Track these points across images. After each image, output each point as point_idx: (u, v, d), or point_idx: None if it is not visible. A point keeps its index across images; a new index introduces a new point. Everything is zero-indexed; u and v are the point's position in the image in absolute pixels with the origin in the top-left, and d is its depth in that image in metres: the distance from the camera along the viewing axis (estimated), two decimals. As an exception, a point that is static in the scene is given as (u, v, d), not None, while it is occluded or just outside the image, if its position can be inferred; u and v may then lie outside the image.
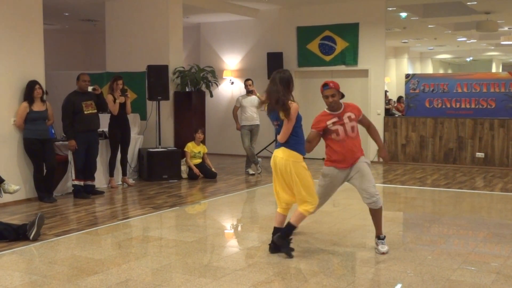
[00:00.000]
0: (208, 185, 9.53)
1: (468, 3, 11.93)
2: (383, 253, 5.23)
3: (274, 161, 5.12)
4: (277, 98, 4.98)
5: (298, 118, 5.08)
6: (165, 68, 10.12)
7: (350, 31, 12.31)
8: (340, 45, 12.45)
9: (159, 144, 10.09)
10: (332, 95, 5.30)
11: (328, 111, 5.40)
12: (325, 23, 12.55)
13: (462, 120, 11.59)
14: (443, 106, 11.86)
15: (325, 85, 5.33)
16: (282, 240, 5.11)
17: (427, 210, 7.82)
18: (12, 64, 7.75)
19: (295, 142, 5.07)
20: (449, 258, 5.13)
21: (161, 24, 10.64)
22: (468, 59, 22.33)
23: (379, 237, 5.39)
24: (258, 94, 10.51)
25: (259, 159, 10.83)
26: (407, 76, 12.55)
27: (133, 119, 9.83)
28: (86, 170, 8.33)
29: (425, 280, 4.52)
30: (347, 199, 8.30)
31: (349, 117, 5.37)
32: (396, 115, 13.11)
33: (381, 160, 12.14)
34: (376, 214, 5.37)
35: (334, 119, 5.33)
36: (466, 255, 5.27)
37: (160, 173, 9.73)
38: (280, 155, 5.06)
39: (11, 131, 7.73)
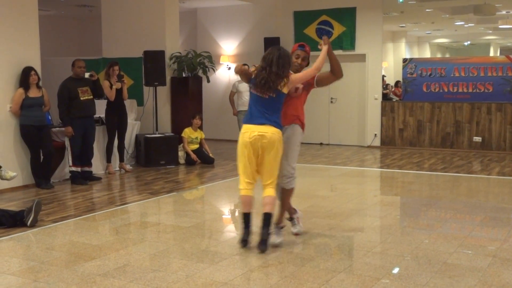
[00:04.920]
0: (206, 170, 9.53)
1: (466, -13, 11.87)
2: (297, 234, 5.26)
3: (260, 138, 4.79)
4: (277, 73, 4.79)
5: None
6: (161, 53, 10.07)
7: (347, 16, 12.27)
8: (337, 29, 12.40)
9: (156, 130, 10.07)
10: (303, 58, 5.11)
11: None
12: (322, 8, 12.50)
13: (460, 104, 11.59)
14: (441, 91, 11.85)
15: (301, 45, 5.20)
16: (268, 234, 4.89)
17: (424, 194, 7.84)
18: (8, 50, 7.69)
19: (279, 118, 4.90)
20: (446, 242, 5.15)
21: (157, 9, 10.57)
22: (465, 43, 22.26)
23: (292, 218, 5.35)
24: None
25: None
26: (405, 60, 12.52)
27: (129, 105, 9.81)
28: (83, 156, 8.33)
29: (422, 263, 4.54)
30: (344, 183, 8.33)
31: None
32: (394, 100, 13.09)
33: (373, 144, 12.15)
34: (283, 194, 5.15)
35: None
36: (462, 238, 5.29)
37: (158, 159, 9.72)
38: (271, 130, 4.80)
39: (7, 117, 7.70)
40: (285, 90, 4.86)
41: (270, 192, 4.90)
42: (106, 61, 9.74)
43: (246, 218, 4.95)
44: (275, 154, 4.83)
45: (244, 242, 4.92)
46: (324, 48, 5.05)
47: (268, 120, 4.83)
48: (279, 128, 4.86)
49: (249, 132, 4.88)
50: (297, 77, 4.96)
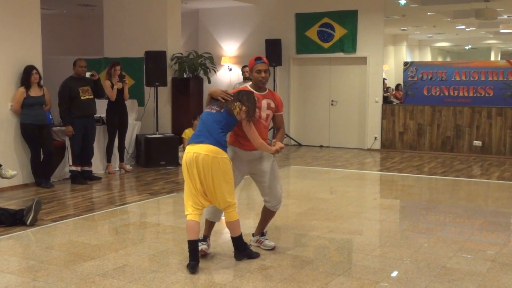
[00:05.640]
0: (206, 171, 9.50)
1: (468, -9, 11.88)
2: (273, 248, 4.96)
3: (196, 158, 4.40)
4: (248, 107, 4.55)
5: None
6: (163, 54, 10.08)
7: (349, 18, 12.27)
8: (339, 32, 12.40)
9: (157, 130, 10.07)
10: (265, 71, 4.74)
11: (251, 89, 4.78)
12: (324, 10, 12.50)
13: (460, 108, 11.59)
14: (441, 94, 11.85)
15: (258, 59, 4.79)
16: (245, 254, 4.70)
17: (424, 198, 7.84)
18: (9, 48, 7.70)
19: (225, 140, 4.55)
20: (445, 246, 5.15)
21: (159, 9, 10.59)
22: (467, 47, 22.30)
23: (263, 233, 5.08)
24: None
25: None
26: (406, 63, 12.52)
27: (130, 105, 9.81)
28: (83, 155, 8.33)
29: (421, 267, 4.54)
30: (344, 186, 8.32)
31: (268, 104, 4.79)
32: (394, 103, 13.10)
33: (373, 146, 12.15)
34: (271, 216, 5.07)
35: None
36: (462, 243, 5.29)
37: (158, 159, 9.72)
38: (206, 150, 4.40)
39: (8, 116, 7.70)
40: (238, 117, 4.54)
41: (233, 216, 4.55)
42: (108, 61, 9.75)
43: (192, 246, 4.42)
44: (219, 175, 4.42)
45: (193, 271, 4.38)
46: (272, 151, 4.68)
47: (208, 138, 4.44)
48: (219, 147, 4.43)
49: (186, 153, 4.49)
50: (252, 133, 4.61)
